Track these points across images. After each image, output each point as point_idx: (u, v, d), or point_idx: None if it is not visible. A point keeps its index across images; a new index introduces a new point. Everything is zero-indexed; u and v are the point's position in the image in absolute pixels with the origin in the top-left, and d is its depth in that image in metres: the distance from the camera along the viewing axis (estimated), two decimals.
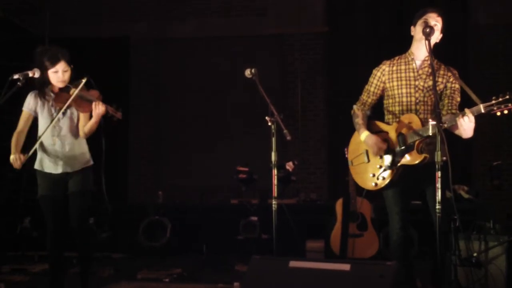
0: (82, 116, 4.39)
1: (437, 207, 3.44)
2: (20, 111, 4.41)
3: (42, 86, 4.32)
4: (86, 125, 4.35)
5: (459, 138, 3.79)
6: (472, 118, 3.56)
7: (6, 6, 8.82)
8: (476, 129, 3.70)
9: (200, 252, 6.98)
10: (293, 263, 3.45)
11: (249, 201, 7.20)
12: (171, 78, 9.51)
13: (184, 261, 6.61)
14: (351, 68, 9.02)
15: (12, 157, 4.22)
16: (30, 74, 4.10)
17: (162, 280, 5.66)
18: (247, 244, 6.73)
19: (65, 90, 4.31)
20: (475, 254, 4.68)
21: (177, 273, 5.94)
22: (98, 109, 4.25)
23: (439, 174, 3.41)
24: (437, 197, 3.44)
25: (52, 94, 4.34)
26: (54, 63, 4.24)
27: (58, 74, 4.26)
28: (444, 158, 3.44)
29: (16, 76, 4.03)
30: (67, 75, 4.30)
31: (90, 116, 4.33)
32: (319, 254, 6.27)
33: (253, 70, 4.14)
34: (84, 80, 4.28)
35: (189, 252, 7.13)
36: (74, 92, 4.25)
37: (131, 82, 9.45)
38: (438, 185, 3.42)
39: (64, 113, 4.33)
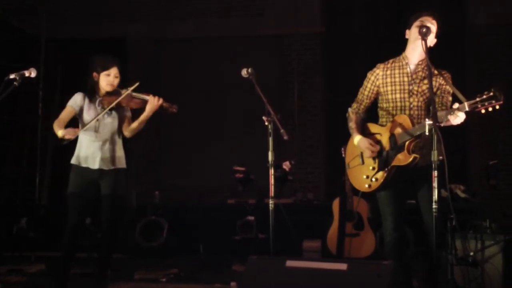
0: (126, 118, 4.58)
1: (434, 206, 3.45)
2: (18, 111, 4.44)
3: (93, 89, 4.50)
4: (137, 120, 4.52)
5: (456, 138, 3.80)
6: (463, 116, 3.56)
7: (3, 7, 8.83)
8: (473, 129, 3.71)
9: (197, 252, 6.98)
10: (290, 263, 3.45)
11: (246, 201, 7.20)
12: (170, 78, 9.50)
13: (181, 261, 6.60)
14: (349, 68, 9.03)
15: (62, 131, 4.29)
16: (27, 74, 4.10)
17: (159, 280, 5.65)
18: (244, 244, 6.73)
19: (113, 93, 4.48)
20: (471, 253, 4.68)
21: (174, 273, 5.94)
22: (154, 102, 4.47)
23: (435, 173, 3.41)
24: (433, 197, 3.44)
25: (99, 98, 4.50)
26: (107, 66, 4.46)
27: (110, 78, 4.47)
28: (441, 157, 3.45)
29: (12, 76, 4.03)
30: (117, 81, 4.52)
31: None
32: (316, 254, 6.27)
33: (249, 70, 4.15)
34: (137, 84, 4.50)
35: (186, 252, 7.13)
36: (126, 92, 4.46)
37: (129, 83, 9.43)
38: (435, 184, 3.42)
39: (109, 113, 4.48)
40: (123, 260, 6.95)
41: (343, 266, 3.31)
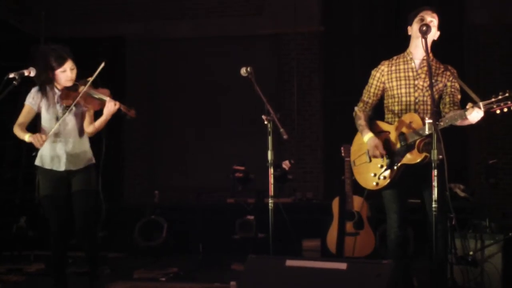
0: (88, 115, 4.41)
1: (434, 205, 3.45)
2: (17, 111, 4.40)
3: (43, 85, 4.31)
4: (96, 122, 4.37)
5: (455, 136, 3.80)
6: (481, 111, 3.53)
7: (1, 7, 8.81)
8: (472, 127, 3.71)
9: (197, 251, 6.98)
10: (289, 262, 3.45)
11: (245, 200, 7.19)
12: (167, 78, 9.51)
13: (180, 261, 6.60)
14: (347, 68, 9.06)
15: (29, 136, 4.16)
16: (26, 73, 4.08)
17: (159, 280, 5.65)
18: (244, 243, 6.73)
19: (72, 88, 4.33)
20: (471, 253, 4.69)
21: (174, 272, 5.93)
22: (111, 106, 4.29)
23: (435, 172, 3.41)
24: (433, 196, 3.44)
25: (57, 92, 4.34)
26: (61, 62, 4.27)
27: (67, 73, 4.30)
28: (440, 156, 3.45)
29: (11, 75, 4.01)
30: (74, 73, 4.34)
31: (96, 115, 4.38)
32: (315, 253, 6.27)
33: (248, 69, 4.14)
34: (91, 78, 4.32)
35: (185, 252, 7.13)
36: (83, 89, 4.28)
37: (127, 82, 9.44)
38: (435, 183, 3.42)
39: (70, 111, 4.31)
40: (122, 259, 6.95)
41: (342, 266, 3.32)
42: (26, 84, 4.26)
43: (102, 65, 4.33)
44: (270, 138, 4.10)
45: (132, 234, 7.11)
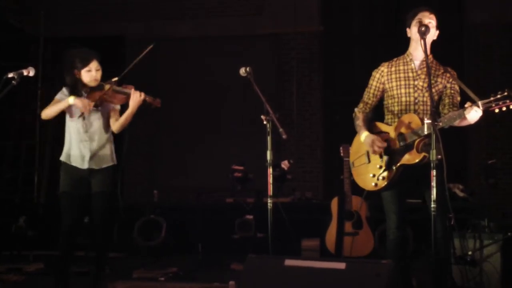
0: (114, 112, 4.47)
1: (432, 205, 3.45)
2: (16, 110, 4.42)
3: (75, 86, 4.39)
4: (121, 117, 4.42)
5: (454, 137, 3.80)
6: (480, 111, 3.54)
7: (1, 7, 8.82)
8: (471, 128, 3.71)
9: (196, 251, 6.98)
10: (288, 262, 3.44)
11: (245, 200, 7.19)
12: (167, 78, 9.51)
13: (179, 260, 6.59)
14: (347, 68, 9.07)
15: (74, 98, 4.24)
16: (25, 73, 4.09)
17: (158, 279, 5.65)
18: (243, 243, 6.73)
19: (97, 88, 4.40)
20: (470, 253, 4.69)
21: (173, 272, 5.93)
22: (136, 97, 4.38)
23: (434, 172, 3.41)
24: (432, 196, 3.44)
25: (83, 93, 4.40)
26: (87, 62, 4.35)
27: (92, 73, 4.37)
28: (439, 156, 3.45)
29: (11, 75, 4.02)
30: (99, 74, 4.41)
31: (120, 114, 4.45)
32: (314, 253, 6.27)
33: (247, 69, 4.15)
34: (116, 78, 4.42)
35: (184, 251, 7.13)
36: (109, 87, 4.37)
37: (127, 82, 9.43)
38: (433, 183, 3.42)
39: (95, 110, 4.38)
40: (122, 259, 6.95)
41: (341, 265, 3.31)
42: (25, 84, 4.27)
43: (136, 61, 4.50)
44: (269, 138, 4.10)
45: (131, 233, 7.11)
